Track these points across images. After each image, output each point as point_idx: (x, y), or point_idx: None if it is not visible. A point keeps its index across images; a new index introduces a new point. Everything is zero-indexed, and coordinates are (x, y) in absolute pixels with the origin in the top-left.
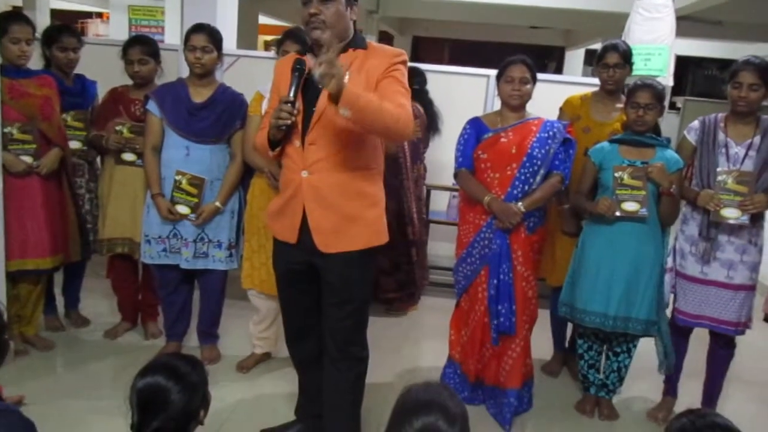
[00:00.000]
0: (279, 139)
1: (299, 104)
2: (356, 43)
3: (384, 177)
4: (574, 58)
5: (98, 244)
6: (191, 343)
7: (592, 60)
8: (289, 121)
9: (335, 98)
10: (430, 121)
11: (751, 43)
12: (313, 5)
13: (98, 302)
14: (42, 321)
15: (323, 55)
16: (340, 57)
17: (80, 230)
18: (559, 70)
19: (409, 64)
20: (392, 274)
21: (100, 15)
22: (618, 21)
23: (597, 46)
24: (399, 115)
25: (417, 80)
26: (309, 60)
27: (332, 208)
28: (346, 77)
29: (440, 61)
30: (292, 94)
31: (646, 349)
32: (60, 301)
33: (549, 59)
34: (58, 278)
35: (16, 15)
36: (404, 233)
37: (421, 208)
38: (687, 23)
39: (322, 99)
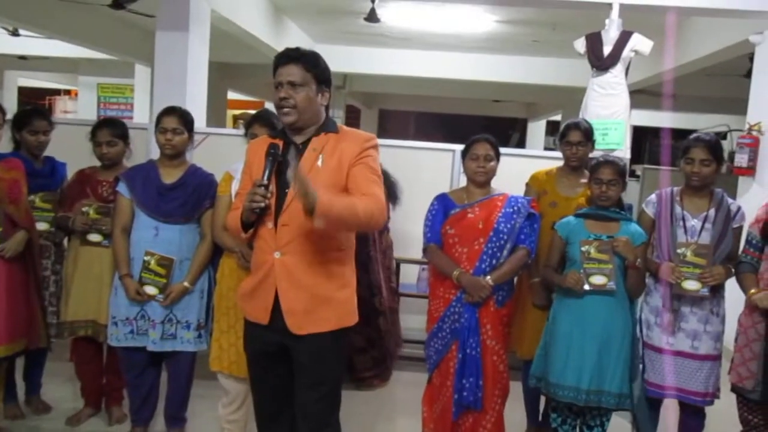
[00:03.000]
0: (252, 221)
1: (273, 187)
2: (328, 127)
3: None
4: (537, 129)
5: (61, 327)
6: (157, 428)
7: (554, 131)
8: (262, 204)
9: (310, 211)
10: (388, 191)
11: (702, 114)
12: (283, 90)
13: (60, 386)
14: (0, 409)
15: (297, 179)
16: (312, 140)
17: (43, 316)
18: (522, 140)
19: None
20: (367, 351)
21: (68, 92)
22: (577, 94)
23: (558, 117)
24: (372, 210)
25: None
26: (280, 143)
27: (304, 289)
28: (319, 161)
29: (406, 133)
30: (266, 178)
31: (620, 422)
32: (21, 386)
33: (512, 130)
34: (19, 362)
35: None
36: (373, 305)
37: (390, 276)
38: (642, 96)
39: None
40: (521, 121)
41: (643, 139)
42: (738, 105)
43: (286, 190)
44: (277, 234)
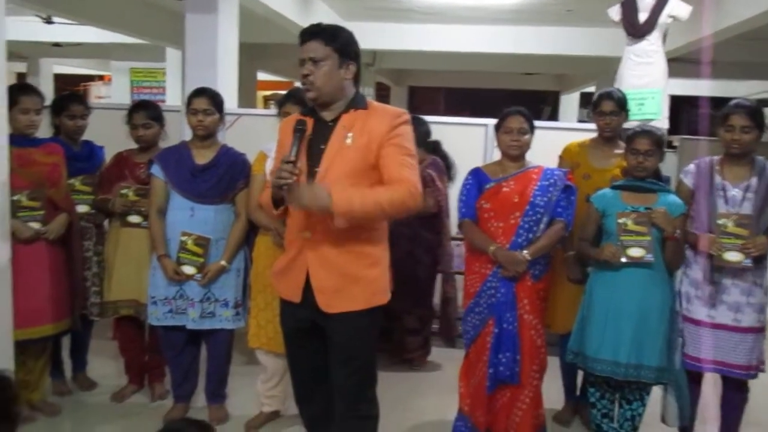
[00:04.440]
0: (281, 198)
1: (302, 164)
2: (357, 103)
3: (418, 232)
4: (570, 101)
5: (104, 306)
6: (198, 404)
7: (587, 103)
8: (290, 181)
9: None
10: (447, 168)
11: (742, 81)
12: (306, 67)
13: (105, 364)
14: (49, 385)
15: (291, 195)
16: (341, 117)
17: (81, 297)
18: (554, 114)
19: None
20: (420, 332)
21: (101, 77)
22: (611, 64)
23: (592, 89)
24: (401, 198)
25: (421, 130)
26: (310, 120)
27: (334, 268)
28: (348, 139)
29: (436, 109)
30: (293, 155)
31: (655, 397)
32: (67, 364)
33: (544, 104)
34: (66, 341)
35: (26, 87)
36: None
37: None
38: (679, 64)
39: (325, 160)
40: (553, 94)
41: (680, 108)
42: None
43: (315, 169)
44: (307, 213)
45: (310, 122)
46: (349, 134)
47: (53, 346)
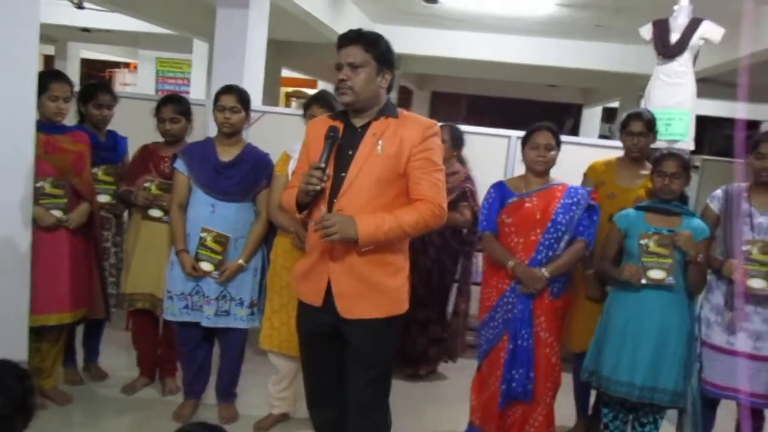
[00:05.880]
0: (306, 203)
1: (329, 170)
2: (388, 111)
3: (449, 242)
4: (592, 115)
5: (121, 298)
6: (209, 401)
7: (609, 118)
8: (318, 187)
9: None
10: (454, 142)
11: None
12: (343, 71)
13: (117, 355)
14: (60, 374)
15: (319, 228)
16: (371, 125)
17: (103, 287)
18: (576, 127)
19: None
20: (442, 341)
21: (127, 65)
22: (636, 81)
23: (615, 104)
24: (424, 220)
25: (455, 135)
26: (339, 125)
27: (356, 274)
28: (379, 147)
29: (458, 116)
30: (323, 161)
31: (674, 419)
32: (79, 353)
33: (567, 116)
34: (79, 330)
35: (56, 74)
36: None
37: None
38: (704, 85)
39: (353, 167)
40: (576, 107)
41: (703, 128)
42: None
43: (343, 175)
44: None
45: (340, 128)
46: (380, 142)
47: (68, 334)
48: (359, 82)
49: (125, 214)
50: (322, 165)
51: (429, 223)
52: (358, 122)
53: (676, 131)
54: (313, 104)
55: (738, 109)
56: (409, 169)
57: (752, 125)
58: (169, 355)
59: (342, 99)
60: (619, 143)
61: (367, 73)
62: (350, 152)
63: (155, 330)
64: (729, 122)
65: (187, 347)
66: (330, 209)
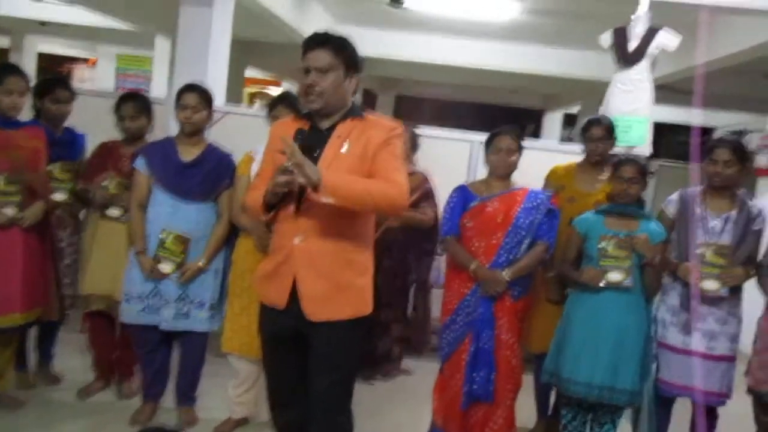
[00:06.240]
0: (274, 204)
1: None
2: (353, 112)
3: (412, 241)
4: (553, 120)
5: (77, 299)
6: (167, 404)
7: (570, 123)
8: (286, 189)
9: (313, 187)
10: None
11: (719, 112)
12: (311, 76)
13: (72, 357)
14: (13, 377)
15: (291, 156)
16: (337, 127)
17: (57, 288)
18: (537, 131)
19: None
20: (402, 341)
21: (86, 60)
22: (596, 87)
23: (576, 110)
24: (390, 194)
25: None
26: (305, 126)
27: (323, 275)
28: (344, 147)
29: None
30: (290, 164)
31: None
32: (32, 356)
33: (528, 121)
34: (32, 332)
35: (11, 67)
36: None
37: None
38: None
39: (320, 167)
40: (537, 112)
41: (659, 134)
42: (756, 103)
43: None
44: (298, 219)
45: (307, 130)
46: (345, 143)
47: (20, 336)
48: (328, 87)
49: (82, 213)
50: (290, 167)
51: (395, 199)
52: (323, 124)
53: (634, 137)
54: (277, 105)
55: (693, 116)
56: (373, 165)
57: (707, 132)
58: (126, 358)
59: (311, 106)
60: (577, 147)
61: (335, 77)
62: (315, 154)
63: (112, 332)
64: (684, 129)
65: (145, 349)
66: (297, 209)
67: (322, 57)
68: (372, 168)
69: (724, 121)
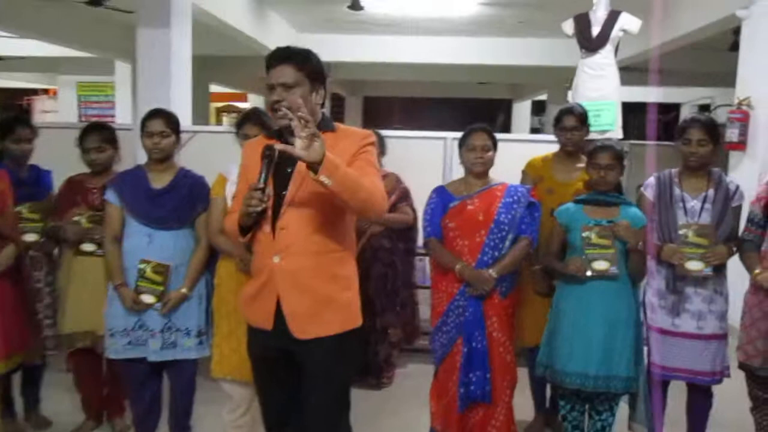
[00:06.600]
0: (249, 225)
1: (269, 190)
2: (325, 125)
3: (396, 245)
4: (522, 109)
5: (59, 339)
6: None
7: (539, 111)
8: (259, 208)
9: (315, 166)
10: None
11: (686, 88)
12: (276, 92)
13: (60, 399)
14: (0, 427)
15: (302, 129)
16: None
17: (36, 331)
18: (507, 121)
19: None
20: (399, 344)
21: (46, 91)
22: (562, 73)
23: (543, 97)
24: (374, 192)
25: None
26: (277, 144)
27: (306, 292)
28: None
29: (391, 119)
30: (262, 181)
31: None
32: (18, 402)
33: (498, 112)
34: (16, 377)
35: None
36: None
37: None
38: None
39: (293, 184)
40: (506, 102)
41: (627, 115)
42: (721, 78)
43: (283, 193)
44: (275, 238)
45: (277, 145)
46: None
47: (3, 384)
48: (295, 102)
49: (55, 251)
50: (261, 185)
51: (377, 195)
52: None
53: (605, 122)
54: (245, 122)
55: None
56: None
57: (673, 108)
58: (115, 394)
59: (280, 122)
60: (550, 137)
61: (301, 91)
62: (289, 169)
63: (98, 369)
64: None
65: (134, 384)
66: (273, 228)
67: (286, 73)
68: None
69: (690, 96)
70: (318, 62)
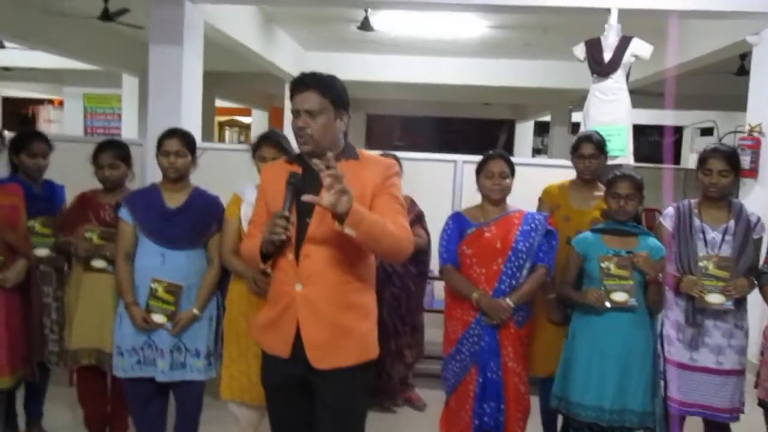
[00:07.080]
0: (271, 252)
1: (293, 217)
2: (347, 153)
3: (408, 267)
4: (524, 130)
5: (64, 355)
6: None
7: (541, 131)
8: (283, 236)
9: (341, 217)
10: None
11: (689, 111)
12: (301, 119)
13: (62, 413)
14: None
15: (328, 177)
16: None
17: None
18: (509, 141)
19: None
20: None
21: (51, 101)
22: (565, 95)
23: (546, 118)
24: (400, 238)
25: None
26: (298, 170)
27: (326, 321)
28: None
29: (393, 137)
30: (286, 209)
31: None
32: (21, 416)
33: (500, 132)
34: (19, 391)
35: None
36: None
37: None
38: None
39: (317, 212)
40: (509, 123)
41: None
42: (724, 102)
43: (307, 220)
44: (298, 266)
45: (300, 173)
46: None
47: (6, 399)
48: (318, 129)
49: (65, 266)
50: (286, 213)
51: (403, 241)
52: None
53: (616, 147)
54: (262, 144)
55: (661, 117)
56: (374, 205)
57: (676, 130)
58: (119, 412)
59: (303, 149)
60: (553, 161)
61: (325, 118)
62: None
63: (103, 386)
64: (654, 129)
65: (139, 403)
66: (297, 255)
67: (310, 99)
68: (371, 209)
69: (692, 119)
70: (343, 89)
